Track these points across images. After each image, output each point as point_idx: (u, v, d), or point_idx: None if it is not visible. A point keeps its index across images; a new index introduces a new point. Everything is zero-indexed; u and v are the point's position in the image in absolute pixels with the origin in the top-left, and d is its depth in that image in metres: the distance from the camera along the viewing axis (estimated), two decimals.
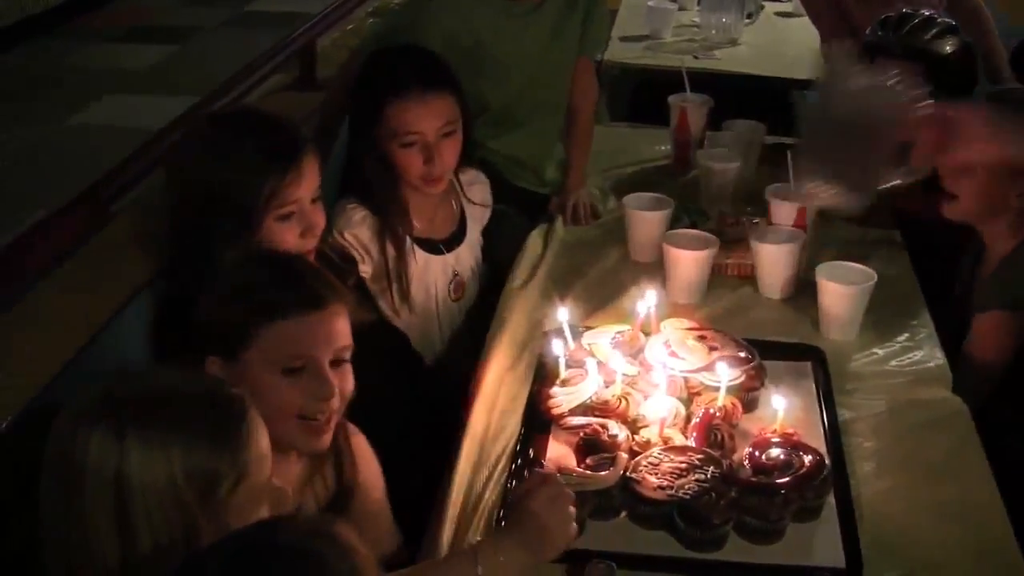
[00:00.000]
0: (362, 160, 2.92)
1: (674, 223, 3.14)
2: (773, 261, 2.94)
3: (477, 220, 3.16)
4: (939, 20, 3.28)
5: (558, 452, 2.32)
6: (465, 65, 3.09)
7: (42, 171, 6.60)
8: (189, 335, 2.06)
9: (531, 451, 2.32)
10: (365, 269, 2.94)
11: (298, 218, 2.43)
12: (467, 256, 3.13)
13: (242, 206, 2.35)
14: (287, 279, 2.07)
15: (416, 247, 2.99)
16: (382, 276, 2.95)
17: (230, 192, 2.35)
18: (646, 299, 2.61)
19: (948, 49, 3.22)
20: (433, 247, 3.04)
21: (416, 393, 2.84)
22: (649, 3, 5.26)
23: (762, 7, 5.55)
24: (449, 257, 3.07)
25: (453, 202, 3.10)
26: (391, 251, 2.92)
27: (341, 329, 2.06)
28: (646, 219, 3.10)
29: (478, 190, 3.16)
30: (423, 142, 2.86)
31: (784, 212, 3.10)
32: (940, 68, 3.13)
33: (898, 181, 2.19)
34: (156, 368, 2.13)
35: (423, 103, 2.85)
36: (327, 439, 2.08)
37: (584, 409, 2.37)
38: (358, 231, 2.91)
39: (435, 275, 3.04)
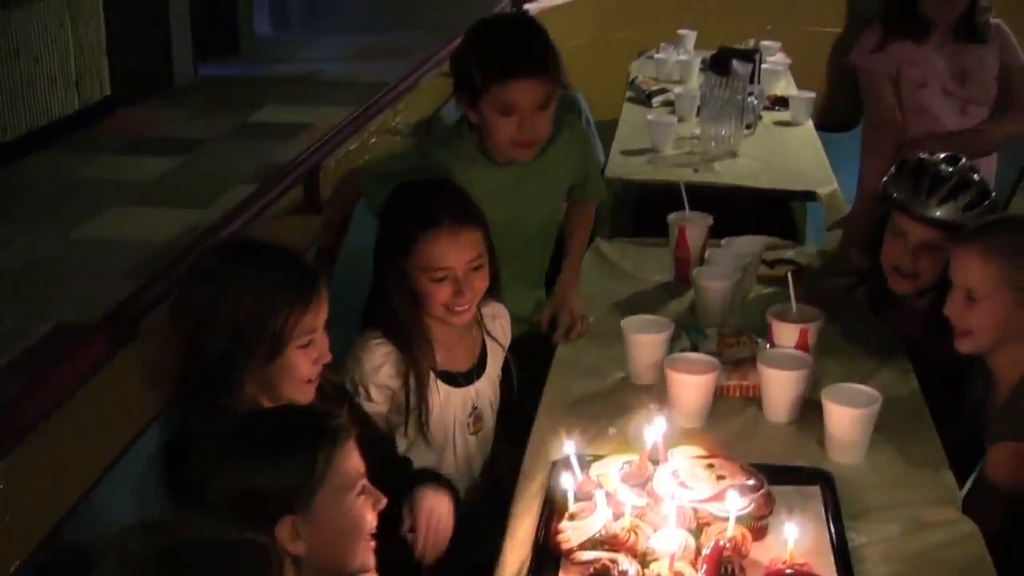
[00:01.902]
0: (389, 291, 2.94)
1: (674, 343, 3.15)
2: (781, 387, 2.94)
3: (497, 355, 3.17)
4: (972, 184, 3.24)
5: None
6: None
7: (48, 285, 6.65)
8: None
9: None
10: (376, 407, 2.95)
11: (314, 347, 2.51)
12: (487, 389, 3.13)
13: (271, 337, 2.44)
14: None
15: (438, 380, 3.00)
16: (401, 410, 2.97)
17: (257, 323, 2.43)
18: (654, 426, 2.60)
19: (968, 219, 3.16)
20: (453, 380, 3.04)
21: None
22: (649, 117, 5.33)
23: (760, 117, 5.57)
24: (470, 390, 3.07)
25: (475, 335, 3.11)
26: (413, 385, 2.94)
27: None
28: (646, 342, 3.10)
29: (499, 325, 3.17)
30: (453, 276, 2.89)
31: (786, 333, 3.11)
32: (955, 232, 3.10)
33: None
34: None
35: (454, 238, 2.88)
36: None
37: (593, 543, 2.35)
38: (382, 367, 2.93)
39: (455, 408, 3.04)
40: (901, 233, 3.27)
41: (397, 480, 2.72)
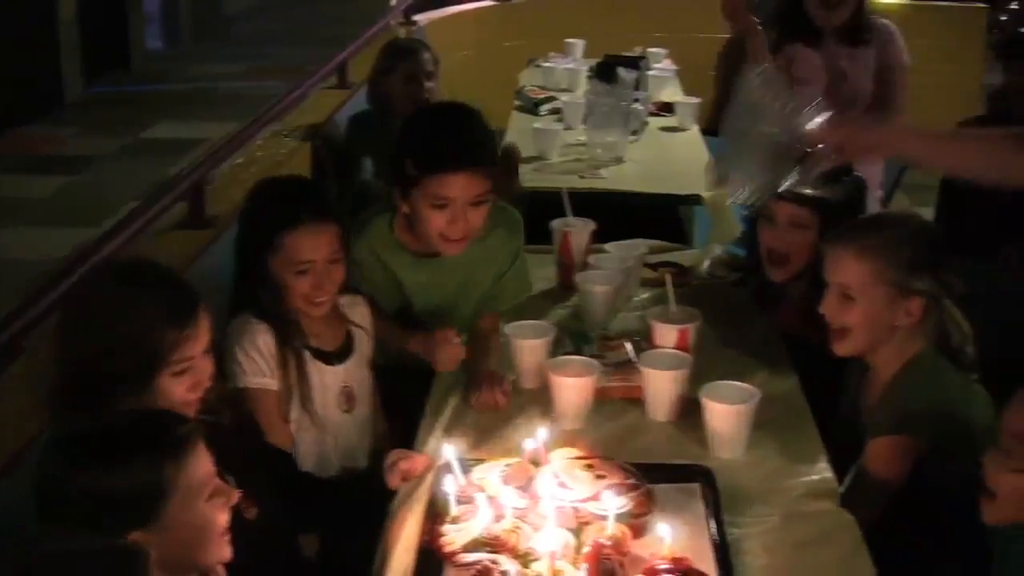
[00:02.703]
0: (253, 282, 3.00)
1: (557, 348, 3.18)
2: (661, 386, 2.98)
3: (363, 339, 3.21)
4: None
5: None
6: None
7: None
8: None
9: None
10: (269, 382, 2.98)
11: (191, 373, 2.48)
12: (357, 371, 3.17)
13: (141, 362, 2.40)
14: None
15: (313, 359, 3.06)
16: (284, 389, 3.00)
17: (129, 348, 2.40)
18: (535, 434, 2.64)
19: (836, 196, 3.33)
20: (325, 357, 3.10)
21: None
22: (535, 125, 5.38)
23: (647, 123, 5.65)
24: (339, 369, 3.12)
25: (338, 320, 3.15)
26: (292, 361, 3.00)
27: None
28: (528, 347, 3.13)
29: (359, 312, 3.22)
30: (314, 269, 2.95)
31: (666, 334, 3.15)
32: (823, 210, 3.29)
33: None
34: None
35: (315, 233, 2.96)
36: None
37: (476, 545, 2.37)
38: (264, 342, 2.97)
39: (327, 385, 3.09)
40: (771, 217, 3.38)
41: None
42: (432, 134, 3.19)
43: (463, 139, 3.15)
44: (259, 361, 2.96)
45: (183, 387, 2.47)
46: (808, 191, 3.27)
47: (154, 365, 2.41)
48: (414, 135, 3.24)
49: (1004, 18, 7.63)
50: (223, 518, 2.17)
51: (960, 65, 8.08)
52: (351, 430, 3.17)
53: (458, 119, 3.24)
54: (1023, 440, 2.23)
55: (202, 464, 2.14)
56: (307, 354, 3.05)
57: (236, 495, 2.21)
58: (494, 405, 3.04)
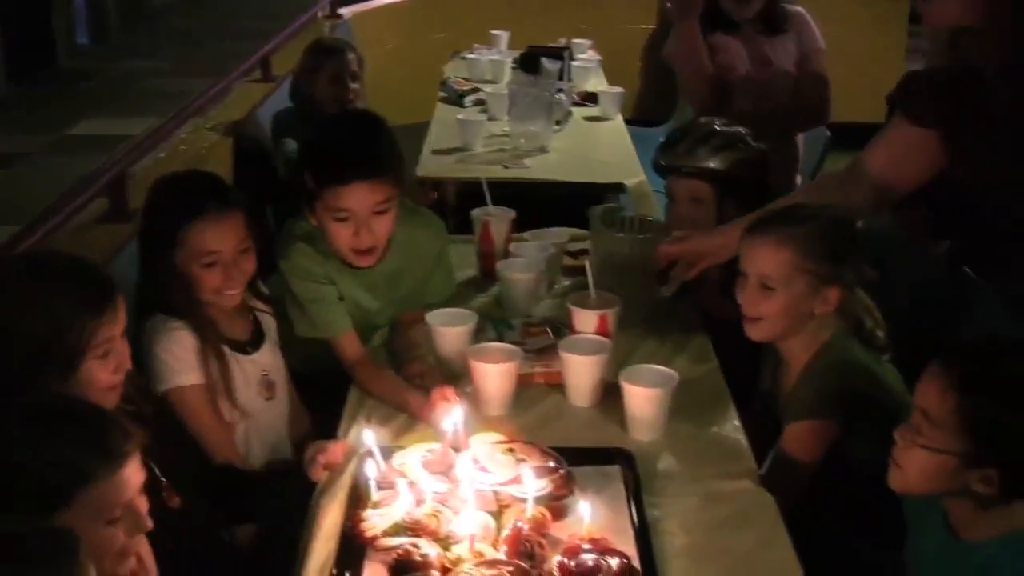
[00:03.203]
0: (160, 282, 2.96)
1: (480, 335, 3.20)
2: (581, 371, 3.01)
3: (271, 326, 3.22)
4: (720, 134, 3.52)
5: (374, 574, 2.34)
6: None
7: None
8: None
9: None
10: (195, 378, 2.96)
11: (113, 355, 2.49)
12: (272, 357, 3.18)
13: (62, 354, 2.41)
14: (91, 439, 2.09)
15: (232, 351, 3.05)
16: (209, 386, 2.98)
17: (53, 339, 2.40)
18: (452, 415, 2.66)
19: (722, 165, 3.50)
20: (240, 347, 3.09)
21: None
22: (459, 116, 5.41)
23: (570, 113, 5.68)
24: (256, 357, 3.12)
25: (245, 308, 3.14)
26: (213, 356, 2.98)
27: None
28: (449, 334, 3.15)
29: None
30: (222, 261, 2.93)
31: (586, 320, 3.17)
32: (715, 180, 3.45)
33: (665, 294, 3.36)
34: None
35: (219, 223, 2.93)
36: None
37: (397, 529, 2.39)
38: (185, 343, 2.94)
39: (248, 376, 3.09)
40: (673, 196, 3.55)
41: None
42: (327, 147, 3.16)
43: (357, 150, 3.11)
44: (183, 359, 2.94)
45: (107, 371, 2.48)
46: (699, 164, 3.45)
47: (76, 355, 2.42)
48: (311, 149, 3.22)
49: None
50: (121, 541, 2.09)
51: (883, 45, 8.20)
52: (274, 418, 3.18)
53: (353, 129, 3.22)
54: (927, 415, 2.27)
55: (116, 490, 2.07)
56: (225, 347, 3.04)
57: (148, 525, 2.14)
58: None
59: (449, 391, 2.91)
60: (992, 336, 2.84)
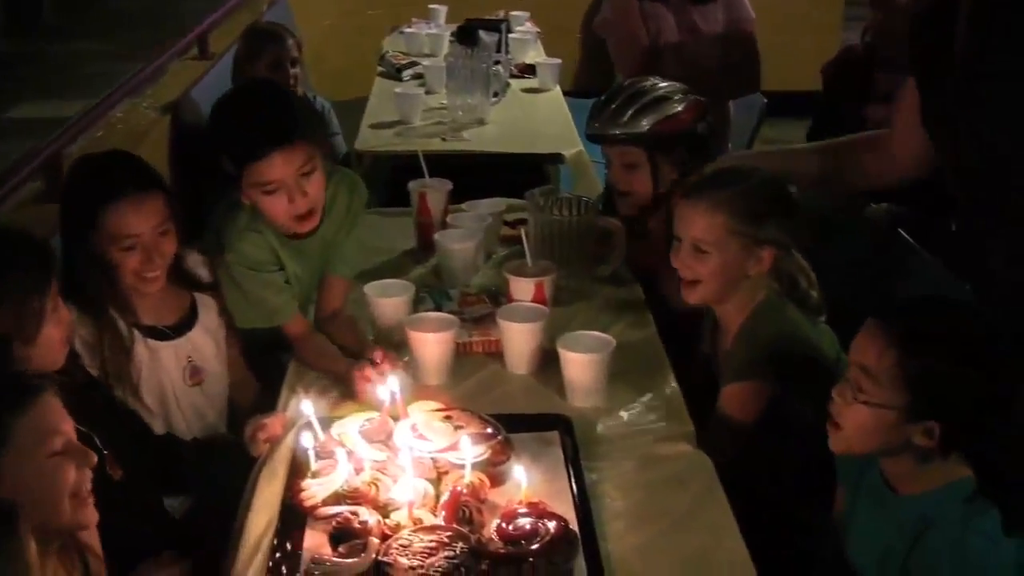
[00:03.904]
0: (78, 266, 2.91)
1: (418, 306, 3.22)
2: (518, 339, 3.03)
3: (209, 305, 3.17)
4: (646, 96, 3.54)
5: (315, 543, 2.35)
6: None
7: None
8: None
9: (288, 545, 2.35)
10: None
11: (60, 315, 2.54)
12: (204, 341, 3.14)
13: (21, 326, 2.43)
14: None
15: (144, 337, 3.01)
16: (103, 377, 2.94)
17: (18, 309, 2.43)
18: (389, 384, 2.67)
19: (649, 125, 3.51)
20: (161, 334, 3.05)
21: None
22: (396, 90, 5.40)
23: (508, 85, 5.70)
24: (180, 342, 3.08)
25: (180, 290, 3.11)
26: (108, 351, 2.93)
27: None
28: (387, 305, 3.17)
29: (204, 272, 3.17)
30: (142, 244, 2.89)
31: (522, 288, 3.21)
32: (643, 142, 3.47)
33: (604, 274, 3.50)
34: None
35: (139, 205, 2.89)
36: None
37: (336, 498, 2.42)
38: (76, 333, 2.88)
39: (166, 363, 3.05)
40: (608, 161, 3.61)
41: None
42: (234, 125, 3.07)
43: (264, 121, 3.02)
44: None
45: (60, 333, 2.53)
46: (625, 129, 3.49)
47: (36, 325, 2.45)
48: (220, 132, 3.12)
49: None
50: (73, 477, 2.14)
51: (821, 14, 8.21)
52: (203, 404, 3.15)
53: (254, 101, 3.14)
54: (866, 372, 2.30)
55: (46, 418, 2.11)
56: (137, 334, 2.99)
57: (93, 458, 2.19)
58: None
59: (386, 359, 2.94)
60: (929, 295, 2.88)
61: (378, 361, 2.93)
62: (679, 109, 3.55)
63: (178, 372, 3.08)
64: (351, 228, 3.31)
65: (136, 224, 2.88)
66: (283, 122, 3.01)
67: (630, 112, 3.51)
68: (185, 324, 3.11)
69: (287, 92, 3.18)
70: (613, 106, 3.54)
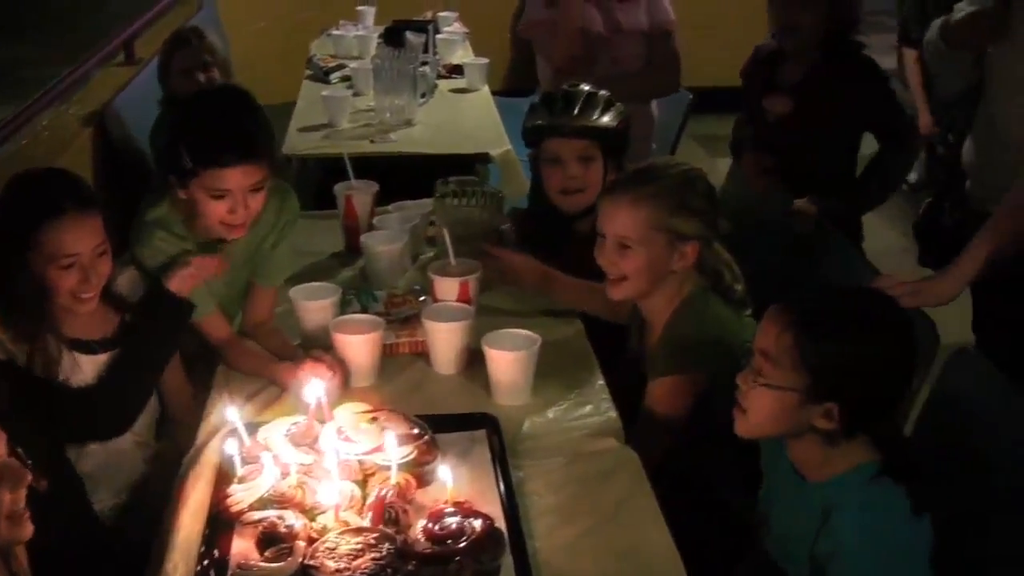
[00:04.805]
0: (12, 283, 2.85)
1: (345, 308, 3.22)
2: (444, 339, 3.04)
3: None
4: (600, 95, 3.58)
5: (242, 548, 2.35)
6: None
7: None
8: None
9: (215, 551, 2.34)
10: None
11: None
12: None
13: None
14: None
15: (70, 350, 2.96)
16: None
17: None
18: (312, 388, 2.67)
19: (612, 123, 3.56)
20: (88, 347, 3.00)
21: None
22: (324, 93, 5.39)
23: (436, 86, 5.72)
24: (100, 358, 3.02)
25: (112, 310, 3.07)
26: (40, 371, 2.89)
27: None
28: (312, 308, 3.17)
29: (137, 289, 3.13)
30: (80, 263, 2.85)
31: (447, 288, 3.22)
32: (604, 138, 3.50)
33: None
34: None
35: (79, 224, 2.85)
36: None
37: (263, 503, 2.42)
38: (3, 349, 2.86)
39: (86, 376, 2.99)
40: (556, 158, 3.56)
41: None
42: (206, 127, 3.05)
43: (238, 132, 3.03)
44: None
45: None
46: (591, 123, 3.51)
47: None
48: (188, 127, 3.10)
49: None
50: (8, 499, 2.11)
51: (747, 11, 8.25)
52: None
53: (231, 110, 3.12)
54: (766, 355, 2.34)
55: None
56: (63, 348, 2.94)
57: (27, 477, 2.15)
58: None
59: (322, 362, 2.95)
60: (826, 283, 2.93)
61: (318, 358, 2.96)
62: (623, 110, 3.61)
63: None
64: (278, 240, 3.30)
65: (76, 243, 2.84)
66: (255, 136, 3.04)
67: (595, 107, 3.54)
68: (113, 340, 3.05)
69: (261, 109, 3.15)
70: (576, 100, 3.55)
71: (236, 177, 3.00)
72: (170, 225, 3.13)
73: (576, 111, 3.52)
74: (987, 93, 3.70)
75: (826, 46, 3.91)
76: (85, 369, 2.99)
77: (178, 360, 3.21)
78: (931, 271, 3.65)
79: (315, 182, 4.85)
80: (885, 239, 6.32)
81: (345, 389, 2.94)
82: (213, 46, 4.88)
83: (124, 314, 3.08)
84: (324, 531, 2.32)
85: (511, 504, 2.47)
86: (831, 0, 3.81)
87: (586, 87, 3.61)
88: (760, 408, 2.38)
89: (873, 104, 3.96)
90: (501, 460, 2.64)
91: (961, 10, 3.71)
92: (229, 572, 2.29)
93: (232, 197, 3.02)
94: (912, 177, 7.58)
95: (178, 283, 2.91)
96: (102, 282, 2.94)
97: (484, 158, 4.90)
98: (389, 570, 2.19)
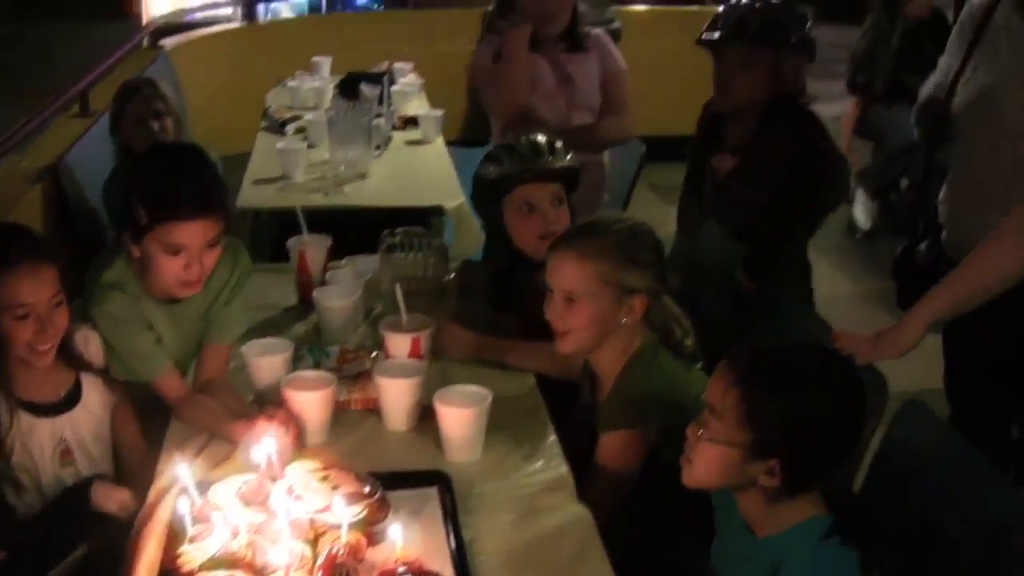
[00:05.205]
0: None
1: (298, 364, 3.23)
2: (396, 395, 3.04)
3: (96, 386, 3.12)
4: (555, 139, 3.61)
5: None
6: None
7: None
8: None
9: None
10: None
11: None
12: (85, 421, 3.08)
13: None
14: None
15: (20, 411, 2.95)
16: None
17: None
18: (264, 445, 2.67)
19: (575, 164, 3.62)
20: (39, 409, 2.99)
21: None
22: (278, 145, 5.38)
23: (391, 138, 5.74)
24: (58, 421, 3.02)
25: (65, 368, 3.06)
26: None
27: None
28: (265, 365, 3.16)
29: (94, 350, 3.12)
30: (35, 313, 2.85)
31: (398, 344, 3.23)
32: (570, 180, 3.61)
33: None
34: None
35: (35, 275, 2.85)
36: None
37: (213, 563, 2.40)
38: None
39: (40, 440, 2.98)
40: (529, 204, 3.54)
41: None
42: (163, 182, 3.04)
43: (195, 186, 3.02)
44: None
45: None
46: (560, 164, 3.53)
47: None
48: (144, 180, 3.08)
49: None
50: None
51: (704, 66, 8.31)
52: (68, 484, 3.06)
53: (188, 164, 3.12)
54: (714, 411, 2.37)
55: None
56: (13, 409, 2.93)
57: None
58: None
59: (276, 419, 2.93)
60: (776, 339, 2.95)
61: (272, 415, 2.94)
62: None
63: (50, 450, 3.01)
64: (232, 298, 3.30)
65: (31, 293, 2.84)
66: (211, 190, 3.05)
67: (557, 151, 3.57)
68: (65, 403, 3.04)
69: (214, 163, 3.16)
70: (541, 145, 3.56)
71: (193, 232, 3.00)
72: (124, 285, 3.12)
73: (546, 155, 3.53)
74: (960, 143, 3.76)
75: (767, 108, 3.90)
76: (37, 433, 2.97)
77: (132, 415, 3.19)
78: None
79: (271, 235, 4.84)
80: (837, 286, 6.38)
81: (299, 447, 2.92)
82: (165, 95, 4.89)
83: (79, 374, 3.06)
84: None
85: (462, 563, 2.48)
86: (772, 69, 3.81)
87: (539, 134, 3.63)
88: (704, 461, 2.40)
89: (807, 160, 3.92)
90: (453, 518, 2.64)
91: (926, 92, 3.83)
92: None
93: (188, 253, 3.02)
94: (866, 225, 7.67)
95: (102, 499, 2.86)
96: (59, 335, 2.93)
97: (438, 210, 4.90)
98: None
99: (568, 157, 3.58)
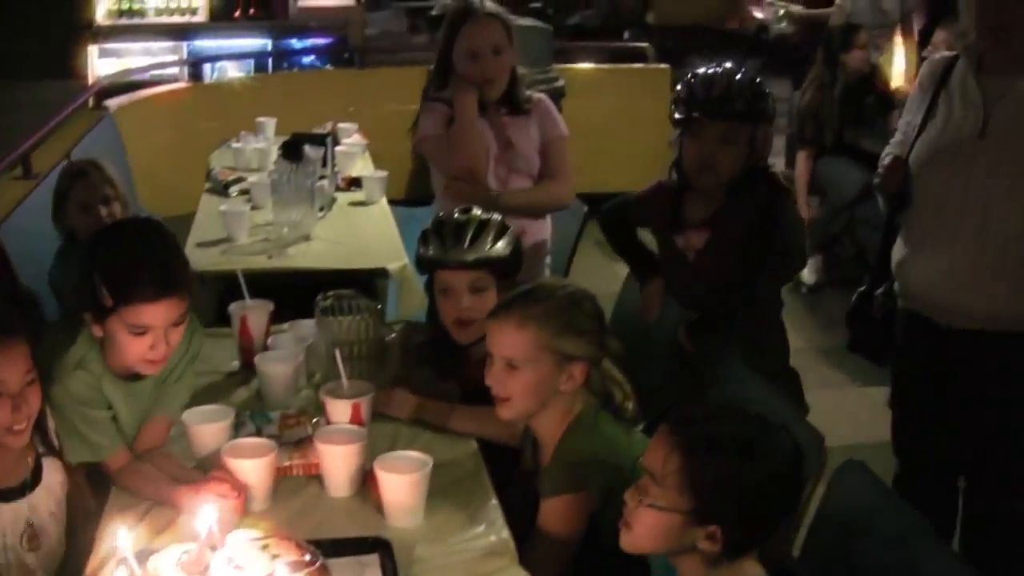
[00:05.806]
0: None
1: (239, 430, 3.23)
2: (337, 461, 3.04)
3: (55, 466, 3.06)
4: (492, 221, 3.59)
5: None
6: None
7: None
8: None
9: None
10: None
11: None
12: (45, 502, 3.02)
13: None
14: None
15: None
16: None
17: None
18: (204, 515, 2.66)
19: (505, 251, 3.57)
20: (3, 495, 2.93)
21: None
22: (222, 207, 5.37)
23: (334, 199, 5.74)
24: (21, 504, 2.95)
25: (26, 450, 2.98)
26: None
27: None
28: (206, 432, 3.15)
29: (52, 427, 3.06)
30: (8, 392, 2.79)
31: (340, 410, 3.23)
32: (496, 267, 3.53)
33: None
34: None
35: (4, 353, 2.78)
36: None
37: None
38: None
39: (5, 525, 2.93)
40: (448, 289, 3.56)
41: None
42: (127, 264, 2.99)
43: (159, 266, 2.98)
44: None
45: None
46: (477, 256, 3.50)
47: None
48: (105, 262, 3.02)
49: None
50: None
51: (647, 117, 8.40)
52: (35, 566, 3.00)
53: (150, 243, 3.07)
54: (654, 477, 2.39)
55: None
56: None
57: None
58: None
59: (225, 482, 2.92)
60: (716, 403, 2.98)
61: (222, 478, 2.93)
62: (514, 235, 3.64)
63: (15, 535, 2.94)
64: (183, 374, 3.29)
65: (2, 370, 2.78)
66: (176, 270, 3.02)
67: (486, 237, 3.54)
68: (27, 485, 2.98)
69: (175, 240, 3.14)
70: (466, 231, 3.53)
71: (158, 312, 2.96)
72: (88, 364, 3.09)
73: (467, 243, 3.51)
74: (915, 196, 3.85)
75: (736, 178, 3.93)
76: (4, 519, 2.92)
77: (89, 490, 3.18)
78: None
79: (214, 297, 4.83)
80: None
81: (245, 513, 2.92)
82: (112, 177, 4.77)
83: (38, 454, 3.02)
84: None
85: None
86: (750, 142, 3.87)
87: (478, 213, 3.62)
88: (644, 526, 2.42)
89: (776, 223, 3.96)
90: None
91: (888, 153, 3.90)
92: None
93: (154, 332, 2.99)
94: (810, 280, 7.74)
95: None
96: (34, 413, 2.88)
97: (382, 273, 4.91)
98: None
99: (499, 243, 3.55)
